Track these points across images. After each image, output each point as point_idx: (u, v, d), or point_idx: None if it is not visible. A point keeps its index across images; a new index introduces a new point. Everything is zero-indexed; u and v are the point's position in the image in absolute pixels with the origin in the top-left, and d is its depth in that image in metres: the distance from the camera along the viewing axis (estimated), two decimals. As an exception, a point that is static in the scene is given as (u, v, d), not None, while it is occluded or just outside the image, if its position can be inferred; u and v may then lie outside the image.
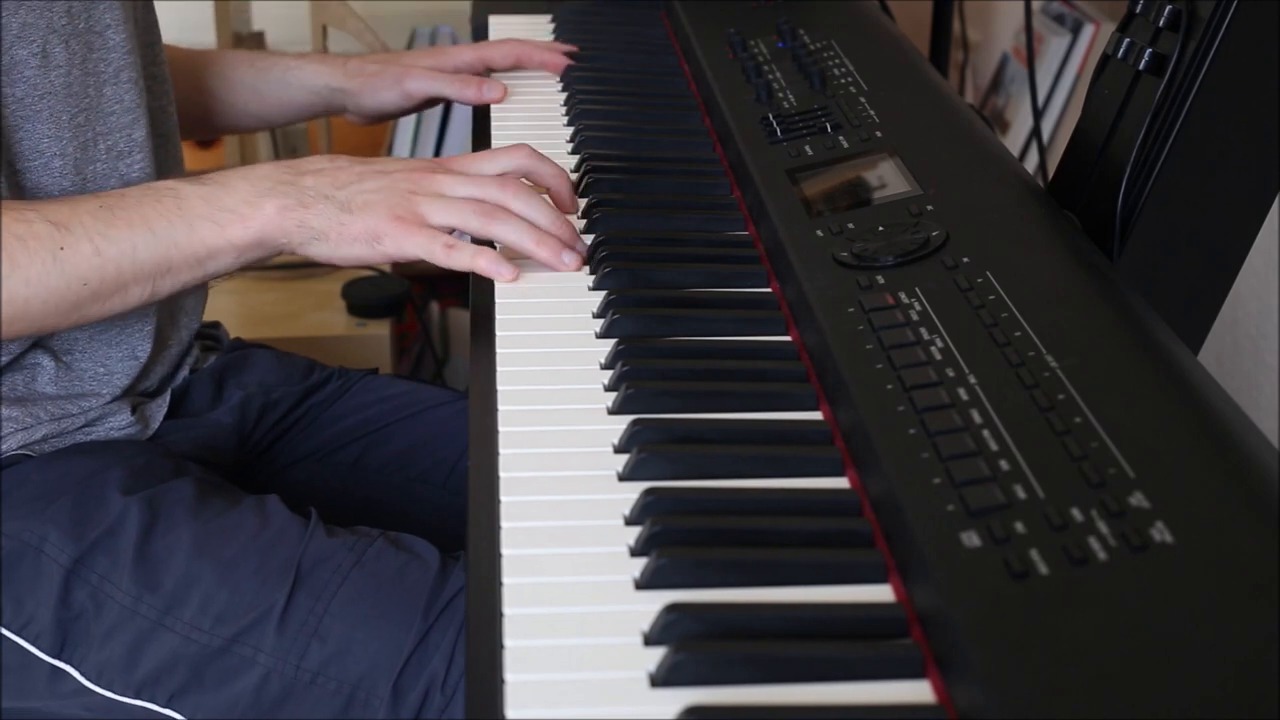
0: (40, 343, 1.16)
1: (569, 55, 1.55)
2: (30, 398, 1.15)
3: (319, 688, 1.05)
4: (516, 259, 1.10)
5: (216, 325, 1.42)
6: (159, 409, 1.24)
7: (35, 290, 1.03)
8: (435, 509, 1.34)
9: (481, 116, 1.44)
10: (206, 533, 1.10)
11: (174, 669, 1.07)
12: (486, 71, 1.52)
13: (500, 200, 1.10)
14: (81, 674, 1.09)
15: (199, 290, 1.30)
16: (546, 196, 1.16)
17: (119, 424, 1.19)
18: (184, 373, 1.29)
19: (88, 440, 1.18)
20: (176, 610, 1.07)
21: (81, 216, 1.05)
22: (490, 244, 1.12)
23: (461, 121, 2.48)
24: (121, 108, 1.17)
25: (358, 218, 1.07)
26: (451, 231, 1.09)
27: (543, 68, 1.53)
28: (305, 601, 1.06)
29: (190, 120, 1.42)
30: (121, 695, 1.08)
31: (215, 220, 1.07)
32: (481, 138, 1.40)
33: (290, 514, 1.13)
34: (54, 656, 1.09)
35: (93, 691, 1.08)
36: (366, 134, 2.42)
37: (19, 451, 1.14)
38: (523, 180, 1.14)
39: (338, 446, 1.36)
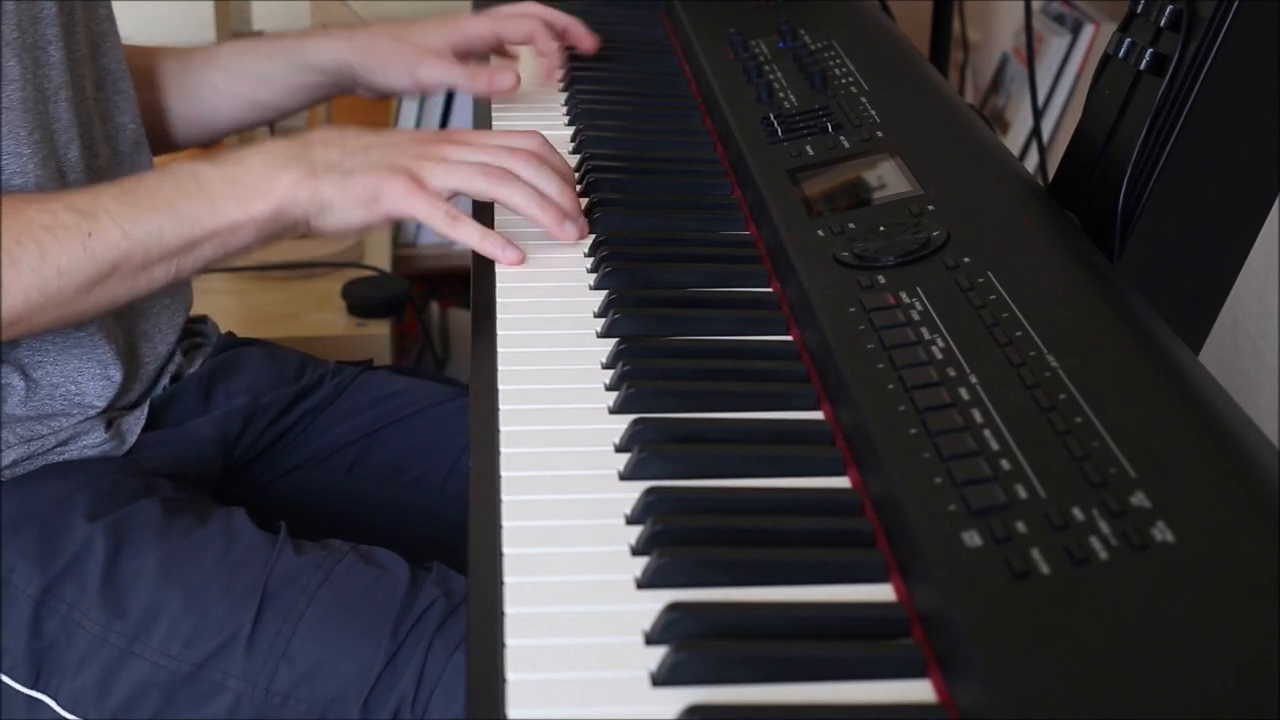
0: (8, 361, 1.14)
1: (569, 50, 1.51)
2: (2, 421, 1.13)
3: (290, 710, 1.04)
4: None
5: (203, 320, 1.39)
6: (136, 422, 1.21)
7: (68, 279, 1.02)
8: (429, 515, 1.33)
9: (483, 116, 1.44)
10: (173, 555, 1.09)
11: (146, 696, 1.06)
12: (501, 46, 1.48)
13: (507, 165, 1.11)
14: (58, 704, 1.08)
15: (176, 306, 1.28)
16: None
17: (93, 441, 1.17)
18: (164, 382, 1.27)
19: (58, 461, 1.16)
20: (145, 637, 1.07)
21: (105, 203, 1.04)
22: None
23: (463, 116, 2.48)
24: (62, 125, 1.15)
25: (358, 180, 1.07)
26: (454, 198, 1.09)
27: (564, 36, 1.49)
28: (273, 623, 1.05)
29: (195, 126, 1.40)
30: None
31: (235, 197, 1.06)
32: (482, 137, 1.40)
33: (258, 531, 1.12)
34: (29, 687, 1.08)
35: None
36: (368, 120, 2.41)
37: None
38: (533, 156, 1.13)
39: (331, 454, 1.34)
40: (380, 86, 1.41)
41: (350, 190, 1.07)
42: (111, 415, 1.20)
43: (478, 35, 1.44)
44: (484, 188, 1.09)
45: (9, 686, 1.09)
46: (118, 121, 1.25)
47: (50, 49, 1.14)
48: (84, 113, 1.20)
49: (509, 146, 1.13)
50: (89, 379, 1.17)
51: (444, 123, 2.35)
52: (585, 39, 1.50)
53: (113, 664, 1.07)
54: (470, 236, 1.09)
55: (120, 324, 1.21)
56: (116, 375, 1.18)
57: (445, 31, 1.42)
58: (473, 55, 1.45)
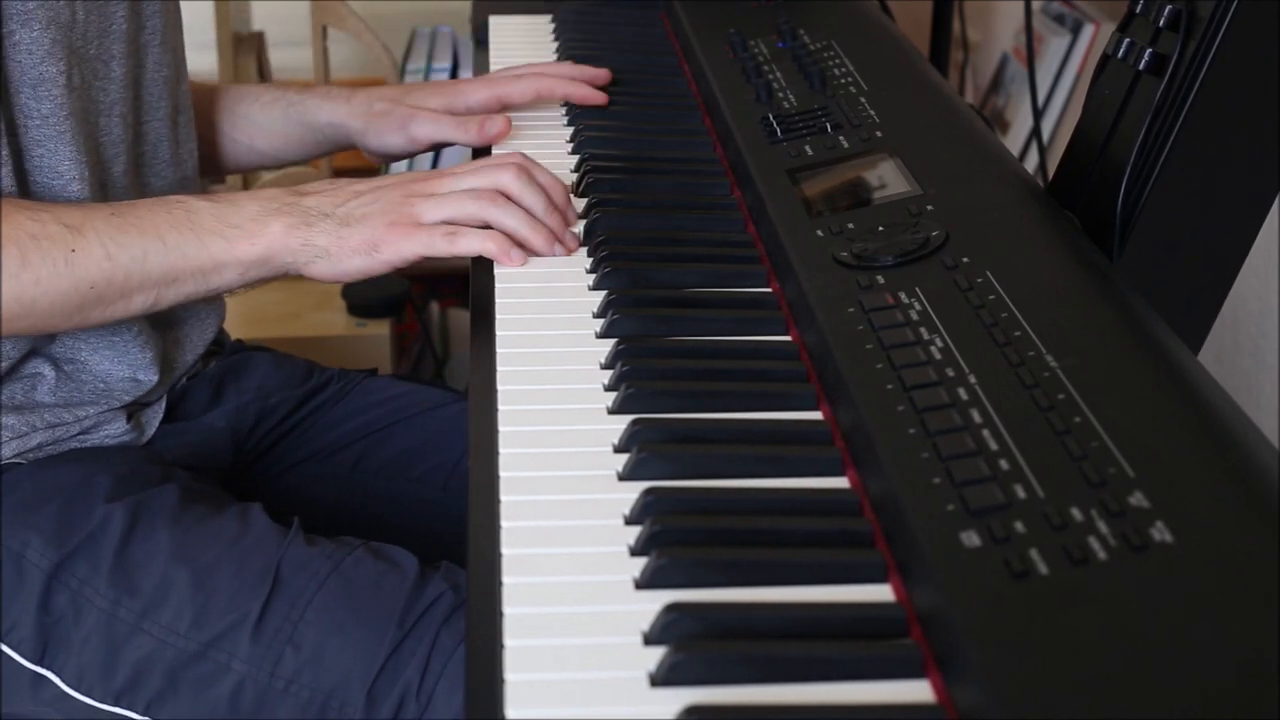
0: (42, 352, 1.16)
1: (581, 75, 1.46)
2: (28, 406, 1.15)
3: (293, 696, 1.05)
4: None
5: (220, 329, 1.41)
6: (154, 415, 1.24)
7: (44, 290, 1.03)
8: (433, 512, 1.34)
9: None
10: (186, 538, 1.10)
11: (150, 673, 1.07)
12: (502, 109, 1.42)
13: (496, 186, 1.12)
14: (62, 680, 1.09)
15: (211, 321, 1.30)
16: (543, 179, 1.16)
17: (114, 431, 1.19)
18: (182, 380, 1.29)
19: (81, 447, 1.18)
20: (153, 614, 1.07)
21: (94, 221, 1.05)
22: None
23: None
24: (109, 140, 1.17)
25: (355, 230, 1.08)
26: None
27: (568, 100, 1.44)
28: (281, 608, 1.06)
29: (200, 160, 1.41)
30: (100, 702, 1.08)
31: (224, 235, 1.08)
32: (481, 138, 1.40)
33: (271, 522, 1.13)
34: (35, 663, 1.09)
35: (73, 698, 1.09)
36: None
37: (12, 459, 1.14)
38: (522, 170, 1.14)
39: (336, 450, 1.36)
40: (375, 148, 1.40)
41: (348, 239, 1.08)
42: (132, 409, 1.22)
43: (478, 103, 1.41)
44: (475, 210, 1.10)
45: (15, 662, 1.09)
46: (188, 148, 1.28)
47: (113, 64, 1.16)
48: (151, 133, 1.22)
49: (494, 166, 1.14)
50: (118, 379, 1.19)
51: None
52: (597, 75, 1.45)
53: (119, 640, 1.08)
54: (473, 245, 1.10)
55: (157, 330, 1.23)
56: (145, 378, 1.20)
57: (444, 97, 1.41)
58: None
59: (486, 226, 1.11)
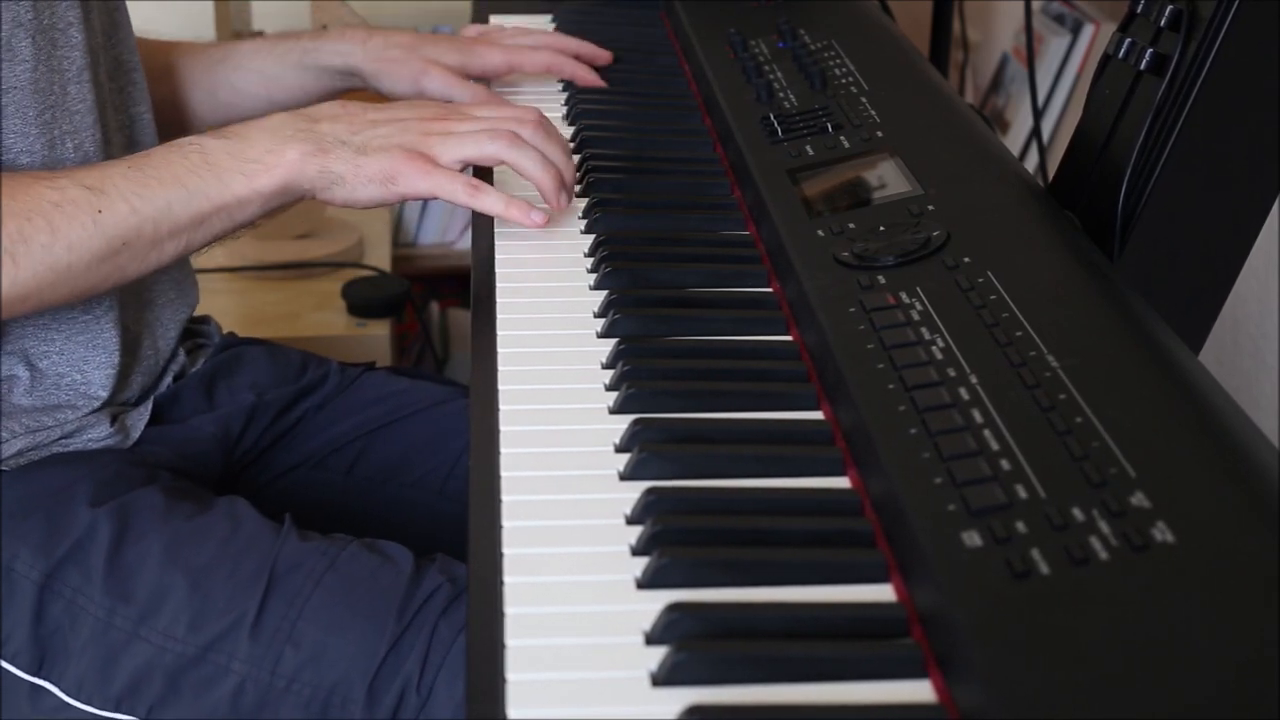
0: (14, 351, 1.15)
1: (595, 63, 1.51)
2: (5, 411, 1.14)
3: (294, 694, 1.05)
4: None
5: (206, 320, 1.39)
6: (140, 418, 1.22)
7: (78, 255, 1.03)
8: (430, 513, 1.33)
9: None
10: (177, 539, 1.09)
11: (150, 679, 1.07)
12: (511, 73, 1.48)
13: (513, 127, 1.13)
14: (61, 690, 1.08)
15: (181, 302, 1.28)
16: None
17: (98, 435, 1.18)
18: (168, 380, 1.27)
19: (63, 452, 1.16)
20: (150, 620, 1.07)
21: (113, 179, 1.05)
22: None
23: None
24: (85, 107, 1.16)
25: (372, 159, 1.09)
26: (465, 169, 1.11)
27: (574, 81, 1.49)
28: (278, 607, 1.06)
29: (213, 123, 1.40)
30: (101, 709, 1.07)
31: (243, 171, 1.08)
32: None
33: (261, 518, 1.13)
34: (33, 674, 1.09)
35: (73, 707, 1.08)
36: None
37: None
38: (539, 118, 1.15)
39: (331, 452, 1.35)
40: (384, 90, 1.42)
41: (364, 168, 1.09)
42: (115, 410, 1.20)
43: (492, 67, 1.45)
44: (494, 151, 1.12)
45: (11, 674, 1.09)
46: (133, 111, 1.26)
47: (71, 31, 1.15)
48: (101, 98, 1.20)
49: (513, 116, 1.15)
50: (94, 366, 1.17)
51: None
52: (599, 56, 1.51)
53: (117, 648, 1.07)
54: (495, 205, 1.12)
55: (127, 311, 1.22)
56: (119, 360, 1.18)
57: (460, 55, 1.42)
58: (484, 80, 1.46)
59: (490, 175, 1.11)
